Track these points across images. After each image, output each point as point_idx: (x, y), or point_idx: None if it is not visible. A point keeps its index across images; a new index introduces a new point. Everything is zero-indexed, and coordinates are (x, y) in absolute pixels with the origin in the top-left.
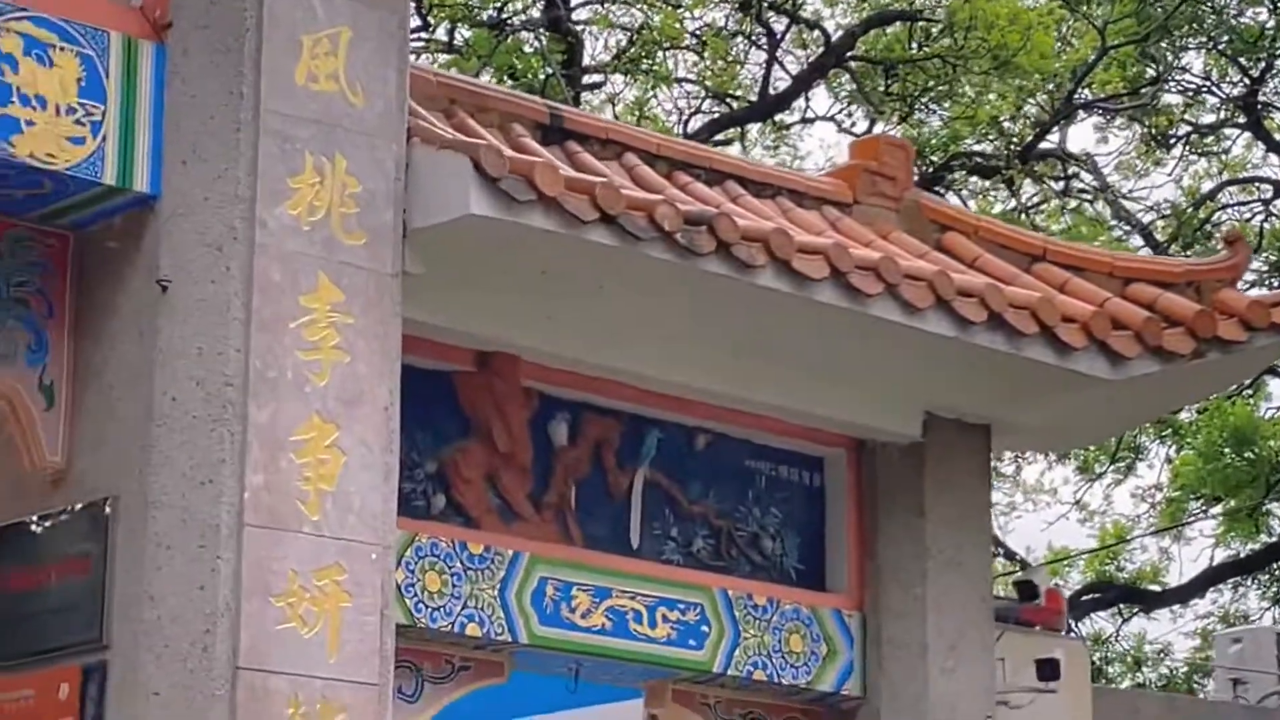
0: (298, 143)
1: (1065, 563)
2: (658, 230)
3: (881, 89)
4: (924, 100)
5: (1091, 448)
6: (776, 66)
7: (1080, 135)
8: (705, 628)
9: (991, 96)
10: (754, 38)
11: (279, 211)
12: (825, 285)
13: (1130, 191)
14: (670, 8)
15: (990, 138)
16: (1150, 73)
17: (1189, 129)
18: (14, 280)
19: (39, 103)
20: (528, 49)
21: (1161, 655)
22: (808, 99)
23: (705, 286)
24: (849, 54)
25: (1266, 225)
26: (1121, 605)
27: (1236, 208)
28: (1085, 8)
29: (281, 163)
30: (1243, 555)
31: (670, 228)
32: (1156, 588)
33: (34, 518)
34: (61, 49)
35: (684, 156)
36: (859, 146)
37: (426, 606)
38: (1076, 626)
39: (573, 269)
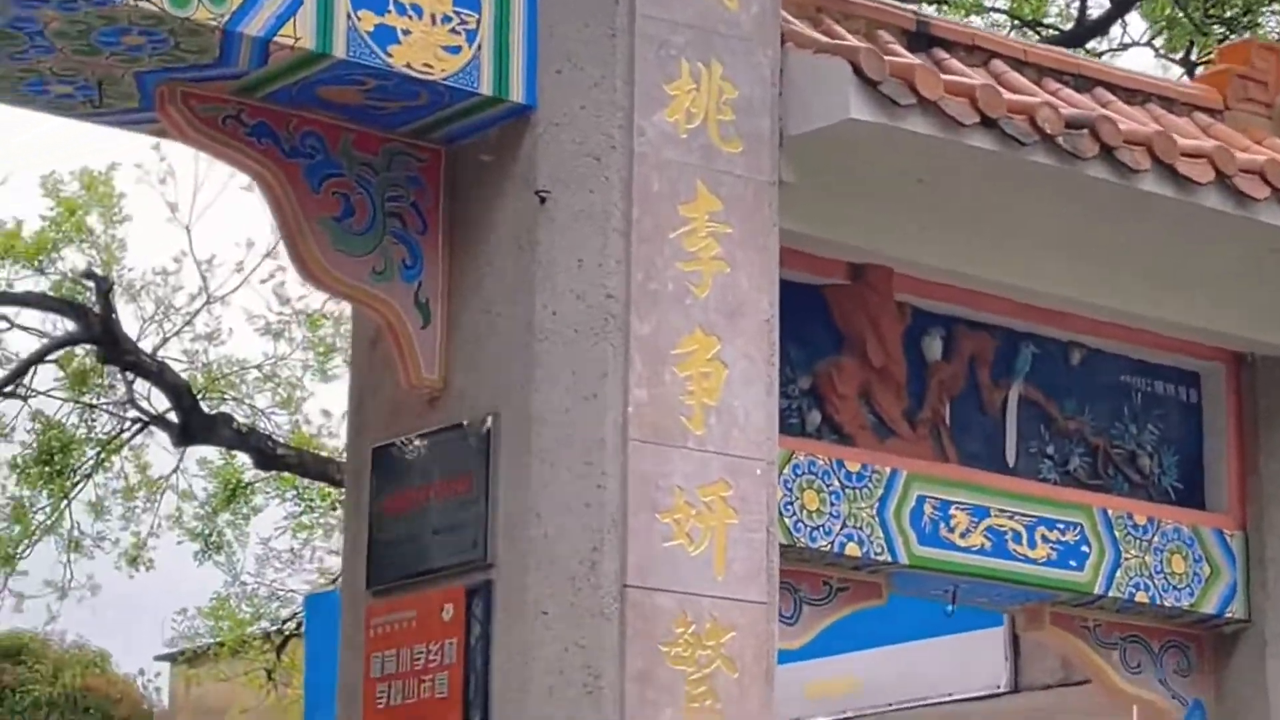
0: (673, 48)
1: None
2: (1039, 134)
3: (1201, 11)
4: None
5: None
6: None
7: None
8: (1085, 548)
9: None
10: None
11: (656, 119)
12: (1210, 190)
13: None
14: None
15: None
16: None
17: None
18: (388, 195)
19: (415, 12)
20: None
21: None
22: (1124, 25)
23: (1085, 193)
24: None
25: None
26: None
27: None
28: None
29: (658, 69)
30: None
31: (1052, 131)
32: None
33: (412, 438)
34: None
35: (1052, 63)
36: (1228, 51)
37: (805, 526)
38: None
39: (949, 177)
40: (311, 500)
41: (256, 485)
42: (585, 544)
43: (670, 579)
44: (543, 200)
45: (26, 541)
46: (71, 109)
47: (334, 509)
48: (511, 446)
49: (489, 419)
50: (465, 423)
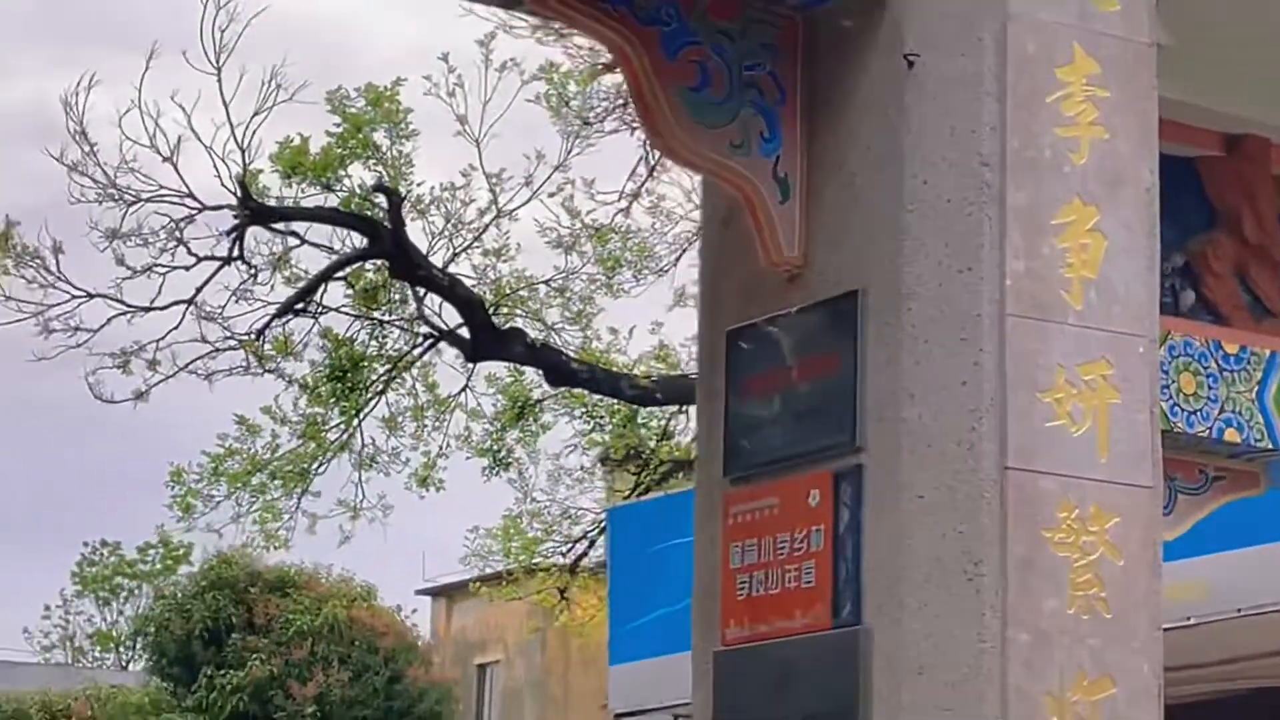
0: None
1: None
2: None
3: None
4: None
5: None
6: None
7: None
8: None
9: None
10: None
11: None
12: None
13: None
14: None
15: None
16: None
17: None
18: (745, 64)
19: None
20: None
21: None
22: None
23: None
24: None
25: None
26: None
27: None
28: None
29: None
30: None
31: None
32: None
33: (771, 318)
34: None
35: None
36: None
37: (1183, 410)
38: None
39: None
40: (600, 418)
41: (545, 403)
42: (962, 424)
43: (1052, 461)
44: (911, 65)
45: (321, 459)
46: None
47: (624, 426)
48: (880, 324)
49: (856, 295)
50: (829, 300)
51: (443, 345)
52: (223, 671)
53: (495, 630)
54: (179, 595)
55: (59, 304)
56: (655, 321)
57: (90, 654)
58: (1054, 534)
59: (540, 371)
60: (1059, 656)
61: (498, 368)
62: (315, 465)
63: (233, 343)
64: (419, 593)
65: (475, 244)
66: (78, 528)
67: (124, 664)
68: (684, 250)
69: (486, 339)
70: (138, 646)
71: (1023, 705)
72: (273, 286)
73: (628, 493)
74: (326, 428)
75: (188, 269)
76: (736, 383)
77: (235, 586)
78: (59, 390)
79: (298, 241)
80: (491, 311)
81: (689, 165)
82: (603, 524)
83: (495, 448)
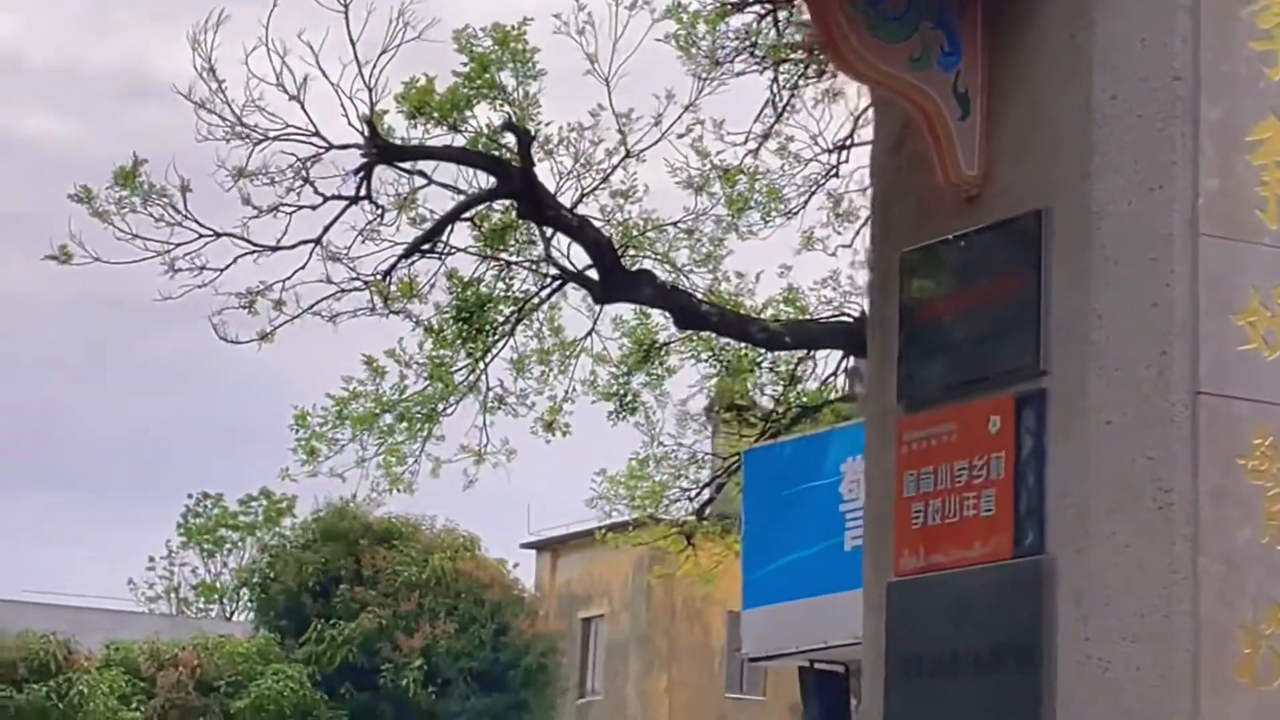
0: None
1: None
2: None
3: None
4: None
5: None
6: None
7: None
8: None
9: None
10: None
11: None
12: None
13: None
14: None
15: None
16: None
17: None
18: None
19: None
20: None
21: None
22: None
23: None
24: None
25: None
26: None
27: None
28: None
29: None
30: None
31: None
32: None
33: (948, 240)
34: None
35: None
36: None
37: None
38: None
39: None
40: (727, 361)
41: (671, 346)
42: (1152, 347)
43: (1246, 386)
44: None
45: (449, 400)
46: None
47: (750, 371)
48: (1066, 243)
49: (1040, 215)
50: (1011, 220)
51: (569, 288)
52: (332, 623)
53: (600, 584)
54: (288, 547)
55: (186, 243)
56: (783, 265)
57: (194, 605)
58: (1248, 461)
59: (668, 314)
60: (1251, 588)
61: (624, 311)
62: (443, 407)
63: (358, 284)
64: (523, 546)
65: (603, 185)
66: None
67: (228, 615)
68: (812, 192)
69: (615, 280)
70: (243, 598)
71: (1215, 637)
72: (398, 227)
73: (751, 438)
74: (454, 369)
75: (314, 209)
76: (910, 307)
77: (347, 538)
78: (161, 345)
79: (424, 181)
80: (621, 252)
81: (868, 80)
82: (731, 468)
83: (621, 392)
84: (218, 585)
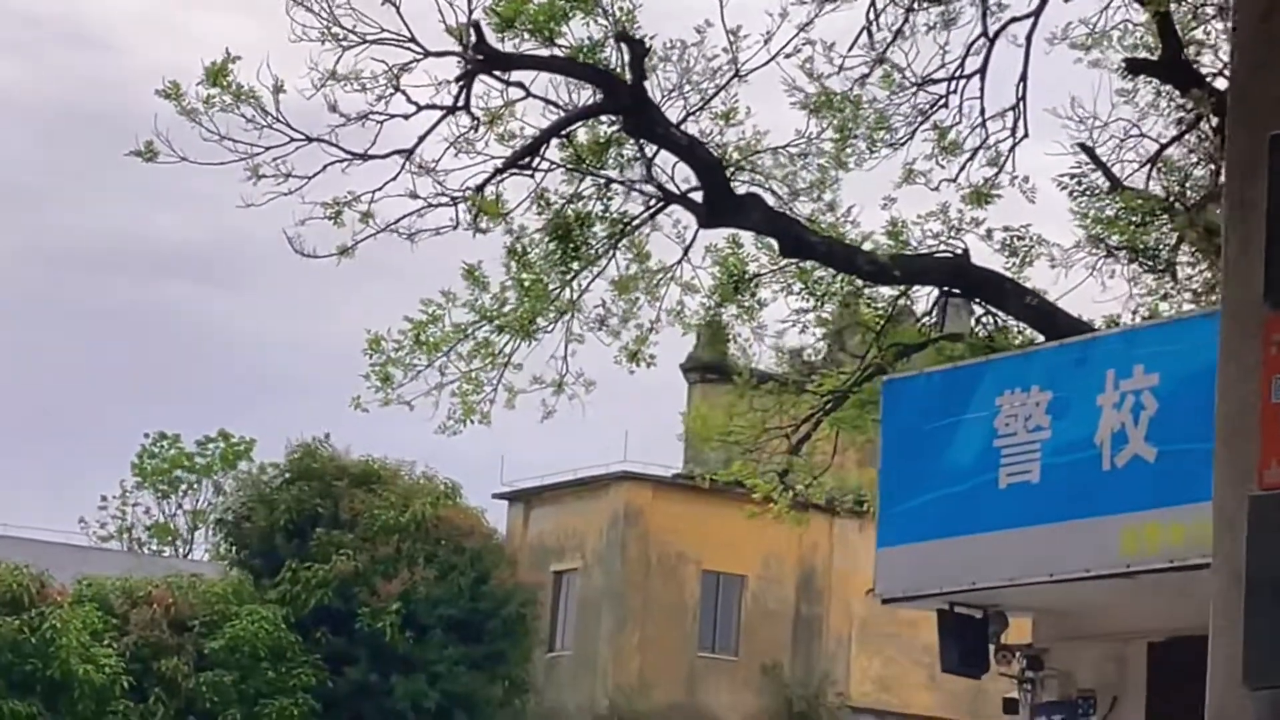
0: None
1: None
2: None
3: None
4: None
5: None
6: None
7: None
8: None
9: None
10: None
11: None
12: None
13: None
14: None
15: None
16: None
17: None
18: None
19: None
20: None
21: None
22: None
23: None
24: None
25: None
26: None
27: None
28: None
29: None
30: None
31: None
32: None
33: None
34: None
35: None
36: None
37: None
38: None
39: None
40: (824, 295)
41: (764, 277)
42: None
43: None
44: None
45: (544, 318)
46: None
47: (845, 306)
48: None
49: None
50: None
51: (665, 212)
52: (307, 565)
53: (574, 537)
54: (261, 487)
55: (275, 146)
56: (887, 197)
57: (148, 546)
58: None
59: (776, 241)
60: None
61: (715, 238)
62: (543, 323)
63: (444, 199)
64: (496, 496)
65: (704, 108)
66: (138, 423)
67: (182, 555)
68: (919, 124)
69: (723, 204)
70: (209, 537)
71: None
72: (486, 143)
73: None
74: (552, 286)
75: (406, 118)
76: None
77: (321, 479)
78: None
79: (522, 94)
80: (731, 174)
81: None
82: (827, 405)
83: (710, 322)
84: (171, 526)
